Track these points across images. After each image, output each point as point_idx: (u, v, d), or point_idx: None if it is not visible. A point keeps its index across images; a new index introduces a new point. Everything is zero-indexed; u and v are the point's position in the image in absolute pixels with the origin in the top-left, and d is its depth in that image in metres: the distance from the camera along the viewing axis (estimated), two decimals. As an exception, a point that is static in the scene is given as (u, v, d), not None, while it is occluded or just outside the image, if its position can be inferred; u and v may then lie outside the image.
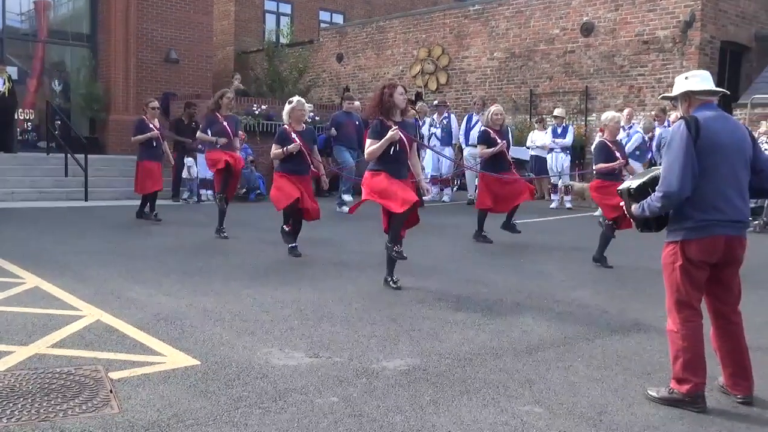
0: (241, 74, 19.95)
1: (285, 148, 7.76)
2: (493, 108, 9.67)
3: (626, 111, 13.50)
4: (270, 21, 25.02)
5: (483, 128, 9.56)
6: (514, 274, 7.52)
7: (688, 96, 4.03)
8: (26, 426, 3.38)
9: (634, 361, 4.68)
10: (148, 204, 10.96)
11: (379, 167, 6.42)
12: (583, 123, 16.41)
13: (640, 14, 15.66)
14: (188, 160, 14.36)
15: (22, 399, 3.69)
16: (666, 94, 4.37)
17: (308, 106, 8.33)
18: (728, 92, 4.24)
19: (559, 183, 14.26)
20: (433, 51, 19.56)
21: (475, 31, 18.67)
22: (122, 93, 17.41)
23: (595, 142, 8.91)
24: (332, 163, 13.56)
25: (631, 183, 4.24)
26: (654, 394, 3.99)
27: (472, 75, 18.80)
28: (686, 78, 4.06)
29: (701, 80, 4.02)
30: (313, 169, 8.17)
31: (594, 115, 16.24)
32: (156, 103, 11.27)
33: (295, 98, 8.12)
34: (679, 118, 4.00)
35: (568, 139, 14.20)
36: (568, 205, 14.19)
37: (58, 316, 5.28)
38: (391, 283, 6.53)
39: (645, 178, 4.13)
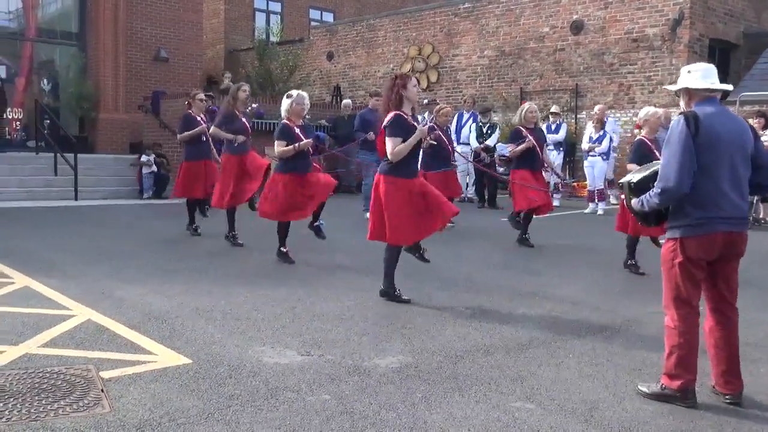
0: (232, 73, 19.88)
1: (296, 146, 7.27)
2: (526, 105, 9.38)
3: (598, 108, 13.52)
4: (260, 19, 24.96)
5: (516, 127, 9.30)
6: (504, 272, 7.54)
7: (689, 90, 3.99)
8: (17, 426, 3.37)
9: (625, 357, 4.70)
10: (195, 211, 9.62)
11: (396, 170, 5.86)
12: (573, 121, 16.46)
13: (629, 12, 15.73)
14: (145, 158, 14.49)
15: (12, 399, 3.67)
16: (668, 86, 4.29)
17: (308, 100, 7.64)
18: (731, 88, 4.17)
19: (551, 180, 14.29)
20: (423, 49, 19.57)
21: (466, 29, 18.69)
22: (112, 92, 17.33)
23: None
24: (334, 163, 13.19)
25: (632, 176, 4.20)
26: (645, 389, 4.01)
27: (463, 73, 18.82)
28: (689, 72, 4.01)
29: (702, 76, 3.96)
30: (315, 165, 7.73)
31: (584, 112, 16.30)
32: (203, 95, 9.96)
33: (295, 92, 7.67)
34: (679, 114, 3.94)
35: (561, 135, 14.21)
36: (556, 203, 14.22)
37: (48, 316, 5.25)
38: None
39: (647, 172, 4.10)
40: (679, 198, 3.84)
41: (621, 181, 4.33)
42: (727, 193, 3.83)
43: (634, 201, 4.08)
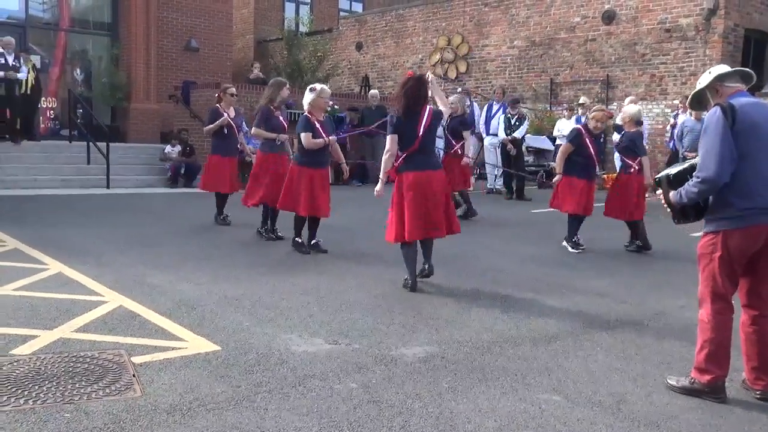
0: (261, 63, 19.98)
1: (327, 139, 7.40)
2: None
3: (628, 99, 13.31)
4: (289, 9, 25.01)
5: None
6: (532, 263, 7.51)
7: (717, 87, 3.91)
8: (51, 408, 3.45)
9: (654, 351, 4.66)
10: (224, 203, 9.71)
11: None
12: (603, 112, 16.27)
13: (662, 2, 15.49)
14: (169, 148, 14.86)
15: (47, 382, 3.75)
16: (699, 84, 4.06)
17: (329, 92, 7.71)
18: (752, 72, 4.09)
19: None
20: (452, 39, 19.48)
21: (495, 19, 18.56)
22: (143, 81, 17.52)
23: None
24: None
25: (670, 170, 4.13)
26: (673, 383, 3.98)
27: (492, 63, 18.70)
28: (710, 73, 3.96)
29: (726, 67, 3.93)
30: (334, 159, 7.86)
31: (615, 103, 16.10)
32: (234, 90, 9.93)
33: (318, 85, 7.68)
34: (714, 105, 3.86)
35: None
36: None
37: (81, 302, 5.35)
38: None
39: (685, 166, 4.03)
40: (718, 188, 3.76)
41: (658, 176, 4.21)
42: None
43: (672, 193, 3.98)
